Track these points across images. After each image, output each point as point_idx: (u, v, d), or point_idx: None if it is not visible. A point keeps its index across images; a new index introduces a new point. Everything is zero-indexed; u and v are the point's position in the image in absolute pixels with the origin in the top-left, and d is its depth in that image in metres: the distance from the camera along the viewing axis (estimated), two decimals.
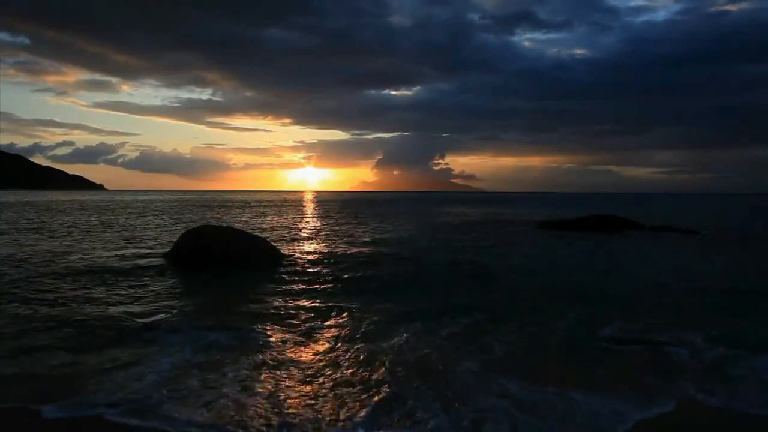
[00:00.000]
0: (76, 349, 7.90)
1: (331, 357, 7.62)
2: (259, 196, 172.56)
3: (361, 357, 7.58)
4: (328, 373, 6.94)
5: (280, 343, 8.28)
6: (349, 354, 7.73)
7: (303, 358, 7.59)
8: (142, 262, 16.73)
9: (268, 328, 9.13)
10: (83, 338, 8.44)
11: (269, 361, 7.38)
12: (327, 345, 8.22)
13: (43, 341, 8.23)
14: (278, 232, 29.76)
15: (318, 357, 7.63)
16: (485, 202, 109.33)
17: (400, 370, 7.03)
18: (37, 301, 10.90)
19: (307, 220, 42.57)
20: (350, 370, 7.04)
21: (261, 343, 8.28)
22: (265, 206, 72.30)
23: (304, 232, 29.88)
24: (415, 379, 6.68)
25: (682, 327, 9.35)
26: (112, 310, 10.32)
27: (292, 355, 7.73)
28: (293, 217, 45.23)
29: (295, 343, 8.31)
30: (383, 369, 7.08)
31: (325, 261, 17.61)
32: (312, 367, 7.17)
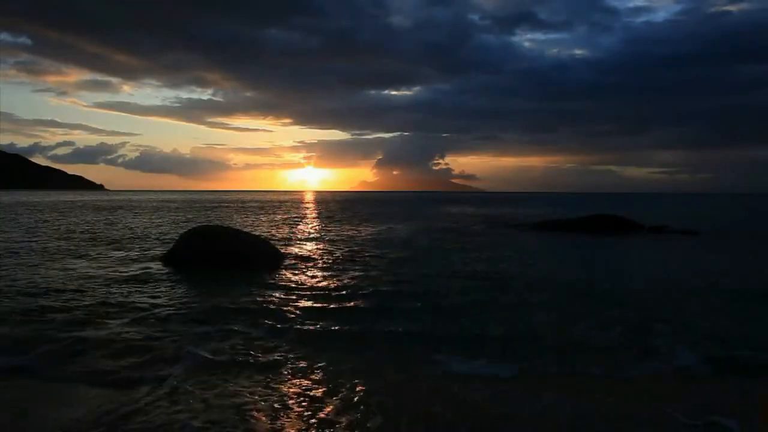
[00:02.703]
0: (72, 352, 7.96)
1: (324, 371, 7.27)
2: (259, 196, 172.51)
3: (352, 372, 7.20)
4: (318, 393, 6.44)
5: (273, 351, 8.04)
6: (344, 370, 7.30)
7: (297, 369, 7.29)
8: (141, 262, 16.79)
9: (262, 331, 9.02)
10: (78, 343, 8.45)
11: (261, 374, 7.01)
12: (322, 357, 7.78)
13: (34, 344, 8.28)
14: (278, 232, 29.81)
15: (312, 371, 7.20)
16: (485, 202, 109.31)
17: (384, 390, 6.70)
18: (33, 301, 10.97)
19: (307, 220, 42.60)
20: (340, 389, 6.59)
21: (254, 351, 7.95)
22: (266, 206, 72.31)
23: (304, 232, 29.93)
24: (409, 410, 6.06)
25: (671, 330, 9.40)
26: (110, 310, 10.36)
27: (285, 369, 7.27)
28: (293, 217, 45.26)
29: (290, 350, 8.10)
30: (369, 387, 6.65)
31: (325, 262, 17.66)
32: (304, 382, 6.79)
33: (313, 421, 5.63)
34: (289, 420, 5.65)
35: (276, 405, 6.03)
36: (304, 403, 6.08)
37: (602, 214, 33.91)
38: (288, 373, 7.08)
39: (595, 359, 7.67)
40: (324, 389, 6.50)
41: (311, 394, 6.36)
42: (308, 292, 12.39)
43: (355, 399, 6.20)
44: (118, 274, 14.54)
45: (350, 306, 10.97)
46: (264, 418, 5.66)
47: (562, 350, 8.11)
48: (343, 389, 6.49)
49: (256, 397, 6.21)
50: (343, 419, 5.68)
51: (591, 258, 20.00)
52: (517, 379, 6.98)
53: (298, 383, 6.71)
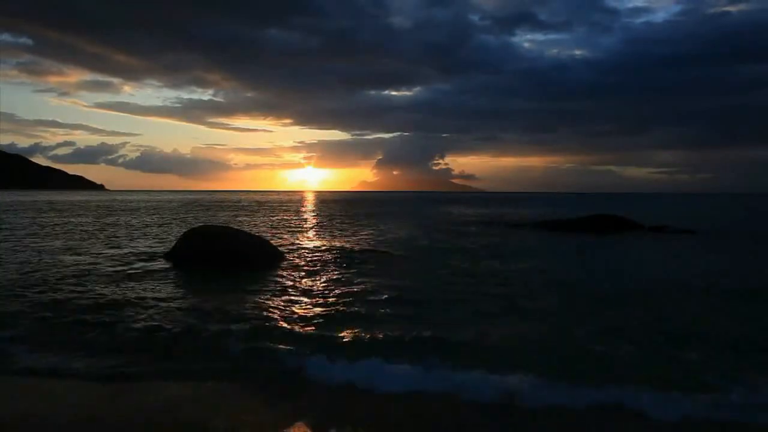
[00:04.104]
0: (75, 351, 7.96)
1: (323, 373, 7.12)
2: (259, 196, 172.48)
3: (352, 376, 6.96)
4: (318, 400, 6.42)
5: (272, 355, 7.89)
6: (344, 374, 7.07)
7: (297, 373, 7.15)
8: (141, 261, 16.78)
9: (262, 334, 8.87)
10: (74, 344, 8.42)
11: (260, 379, 6.95)
12: (322, 359, 7.58)
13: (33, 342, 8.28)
14: (278, 231, 29.81)
15: (312, 373, 7.08)
16: (485, 202, 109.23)
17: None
18: (35, 300, 10.97)
19: (307, 220, 42.60)
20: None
21: (254, 354, 7.83)
22: (266, 206, 72.31)
23: (304, 232, 29.93)
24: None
25: (671, 331, 9.39)
26: (109, 309, 10.36)
27: (285, 373, 7.16)
28: (293, 217, 45.25)
29: (290, 353, 7.90)
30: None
31: (324, 262, 17.65)
32: (304, 387, 6.68)
33: None
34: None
35: (277, 413, 6.02)
36: (302, 412, 6.07)
37: (602, 214, 33.92)
38: (289, 377, 7.04)
39: (596, 364, 7.57)
40: (323, 393, 6.50)
41: (311, 400, 6.35)
42: (307, 293, 12.37)
43: (355, 405, 6.20)
44: (119, 273, 14.53)
45: (348, 308, 10.89)
46: (265, 429, 5.61)
47: (563, 356, 7.95)
48: (343, 394, 6.49)
49: (258, 404, 6.19)
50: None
51: (591, 258, 20.01)
52: (511, 385, 6.92)
53: (298, 388, 6.69)
